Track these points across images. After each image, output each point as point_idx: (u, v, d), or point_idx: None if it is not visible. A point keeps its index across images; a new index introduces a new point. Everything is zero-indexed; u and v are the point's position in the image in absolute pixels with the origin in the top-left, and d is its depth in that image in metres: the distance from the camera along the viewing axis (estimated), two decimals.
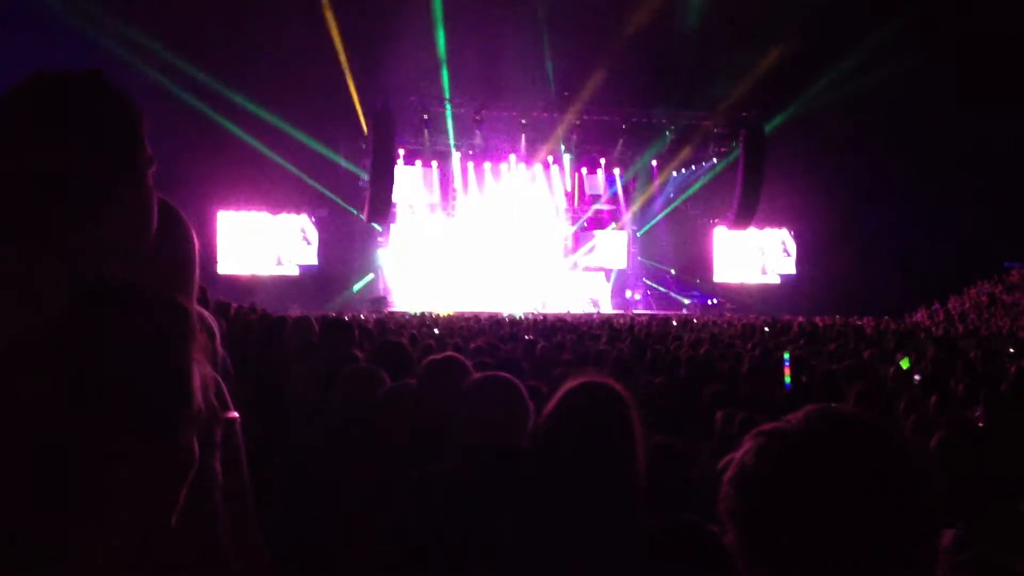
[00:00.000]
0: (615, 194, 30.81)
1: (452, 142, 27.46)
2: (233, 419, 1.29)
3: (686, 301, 29.59)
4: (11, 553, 0.85)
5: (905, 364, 6.79)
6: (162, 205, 1.35)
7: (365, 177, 25.90)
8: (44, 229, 1.09)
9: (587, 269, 30.53)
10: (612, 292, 30.29)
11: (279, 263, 28.26)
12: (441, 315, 18.86)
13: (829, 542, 0.99)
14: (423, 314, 18.77)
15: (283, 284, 27.12)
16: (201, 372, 1.03)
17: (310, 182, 26.85)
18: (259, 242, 27.99)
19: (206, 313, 1.56)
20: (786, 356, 6.79)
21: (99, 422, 0.89)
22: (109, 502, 0.90)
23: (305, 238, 28.56)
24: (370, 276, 28.34)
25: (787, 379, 6.22)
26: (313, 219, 28.45)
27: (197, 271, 1.37)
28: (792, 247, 32.16)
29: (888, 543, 0.99)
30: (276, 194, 27.18)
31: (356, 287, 27.47)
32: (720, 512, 1.11)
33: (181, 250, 1.30)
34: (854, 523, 0.99)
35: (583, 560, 1.76)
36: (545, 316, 18.95)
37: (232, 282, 25.07)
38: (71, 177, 1.11)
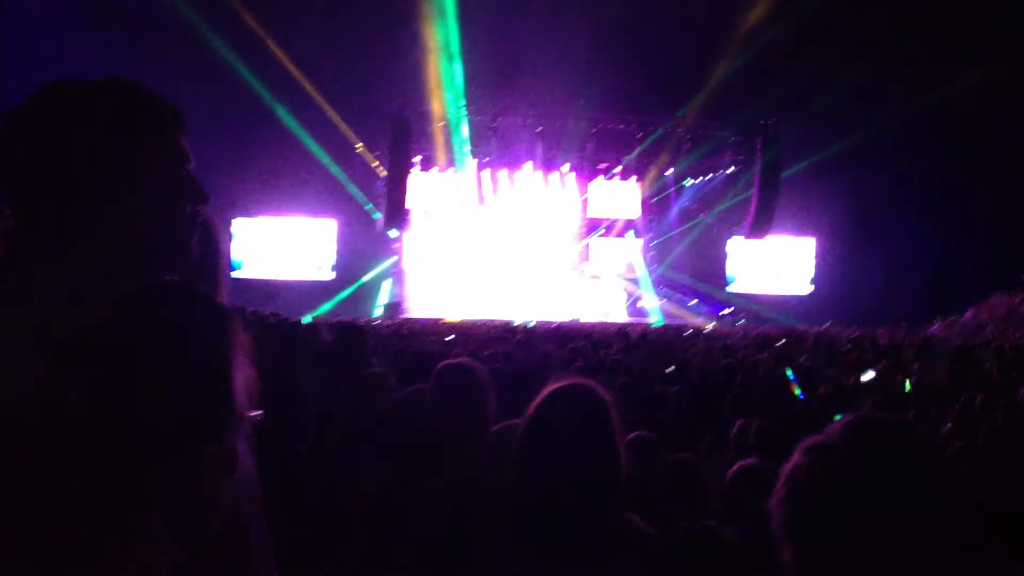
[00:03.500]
0: (631, 202, 30.75)
1: (468, 149, 27.51)
2: (256, 417, 1.30)
3: (702, 309, 29.49)
4: (56, 560, 0.86)
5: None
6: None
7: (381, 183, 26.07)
8: (76, 227, 1.11)
9: (601, 278, 30.45)
10: (626, 301, 30.21)
11: (300, 268, 28.43)
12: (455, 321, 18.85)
13: (887, 551, 1.01)
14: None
15: (304, 289, 27.25)
16: (245, 373, 1.03)
17: (334, 185, 26.98)
18: (281, 247, 28.20)
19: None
20: (789, 373, 6.79)
21: (143, 426, 0.89)
22: (155, 506, 0.90)
23: (324, 243, 28.76)
24: (381, 280, 28.44)
25: (798, 391, 6.21)
26: (334, 224, 28.64)
27: (226, 272, 1.37)
28: (811, 257, 31.99)
29: (937, 548, 1.01)
30: (295, 200, 27.34)
31: (377, 303, 27.52)
32: (774, 531, 1.12)
33: (208, 252, 1.31)
34: (910, 530, 1.00)
35: (582, 563, 1.77)
36: (559, 324, 18.93)
37: (254, 287, 25.19)
38: (98, 177, 1.13)
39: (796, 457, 1.12)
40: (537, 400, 1.94)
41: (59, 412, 0.87)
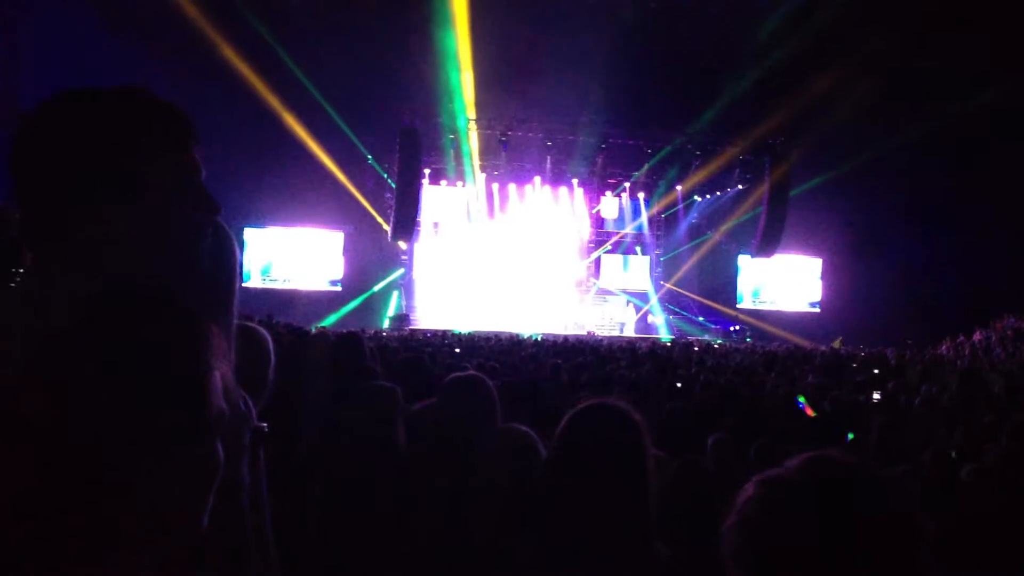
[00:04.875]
0: (639, 218, 30.77)
1: (477, 163, 27.59)
2: (261, 428, 1.29)
3: (710, 326, 29.47)
4: (28, 566, 0.86)
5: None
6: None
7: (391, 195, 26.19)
8: (82, 233, 1.11)
9: (609, 293, 30.44)
10: (634, 316, 30.17)
11: (309, 278, 28.47)
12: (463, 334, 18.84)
13: None
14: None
15: (312, 300, 27.29)
16: (223, 377, 1.03)
17: (345, 196, 27.05)
18: (290, 257, 28.25)
19: (258, 327, 1.56)
20: (801, 400, 6.77)
21: (114, 432, 0.89)
22: (132, 510, 0.90)
23: (333, 254, 28.81)
24: (390, 292, 28.48)
25: (814, 413, 6.19)
26: (343, 235, 28.69)
27: (238, 283, 1.38)
28: (818, 276, 31.95)
29: None
30: (306, 210, 27.42)
31: (386, 313, 27.54)
32: (723, 557, 1.13)
33: (219, 262, 1.32)
34: (852, 571, 1.01)
35: None
36: (566, 338, 18.93)
37: (263, 296, 25.23)
38: (105, 184, 1.14)
39: (751, 488, 1.13)
40: (568, 418, 1.91)
41: (28, 417, 0.87)
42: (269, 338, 2.08)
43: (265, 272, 27.86)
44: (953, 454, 4.38)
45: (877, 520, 1.04)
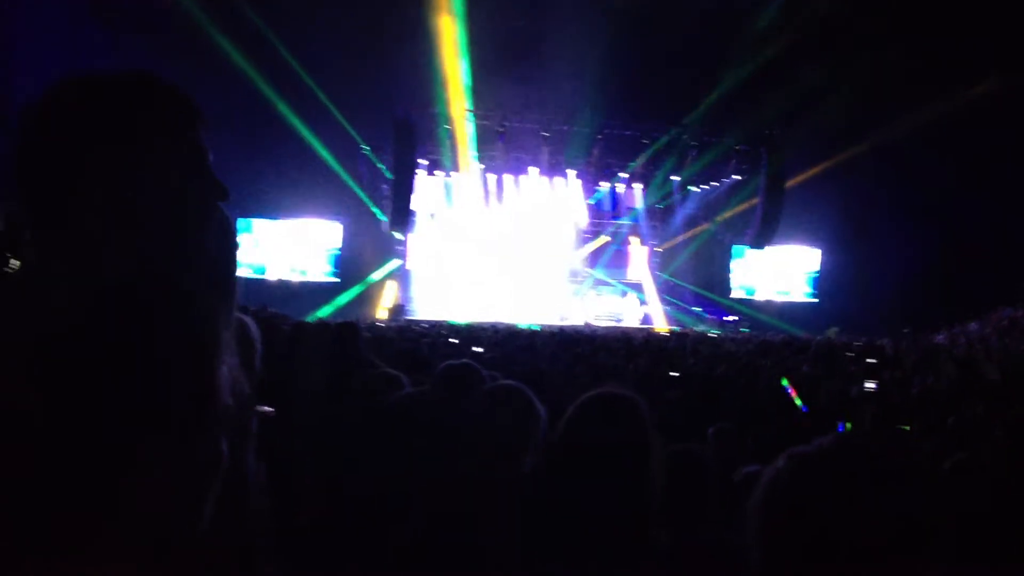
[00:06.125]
0: (635, 209, 30.75)
1: (473, 153, 27.52)
2: (267, 413, 1.28)
3: (706, 316, 29.49)
4: (37, 558, 0.85)
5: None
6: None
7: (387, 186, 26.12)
8: (86, 222, 1.10)
9: (606, 284, 30.45)
10: (630, 307, 30.19)
11: (304, 269, 28.37)
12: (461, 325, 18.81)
13: (855, 566, 1.02)
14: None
15: (308, 290, 27.23)
16: (230, 368, 1.02)
17: (340, 187, 26.95)
18: (284, 248, 28.13)
19: (246, 318, 1.56)
20: (784, 383, 6.78)
21: (118, 428, 0.88)
22: (135, 505, 0.89)
23: (329, 245, 28.71)
24: (386, 282, 28.44)
25: (798, 401, 6.21)
26: (339, 225, 28.57)
27: (237, 272, 1.37)
28: (814, 266, 31.92)
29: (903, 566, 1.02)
30: (301, 201, 27.32)
31: (382, 305, 27.48)
32: (749, 534, 1.12)
33: (223, 250, 1.31)
34: (880, 547, 1.01)
35: (599, 572, 1.75)
36: (563, 328, 18.94)
37: (263, 287, 25.18)
38: (111, 171, 1.12)
39: (780, 464, 1.13)
40: (577, 406, 1.91)
41: (30, 413, 0.86)
42: (255, 327, 2.07)
43: (260, 266, 27.75)
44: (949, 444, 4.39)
45: (904, 501, 1.05)
